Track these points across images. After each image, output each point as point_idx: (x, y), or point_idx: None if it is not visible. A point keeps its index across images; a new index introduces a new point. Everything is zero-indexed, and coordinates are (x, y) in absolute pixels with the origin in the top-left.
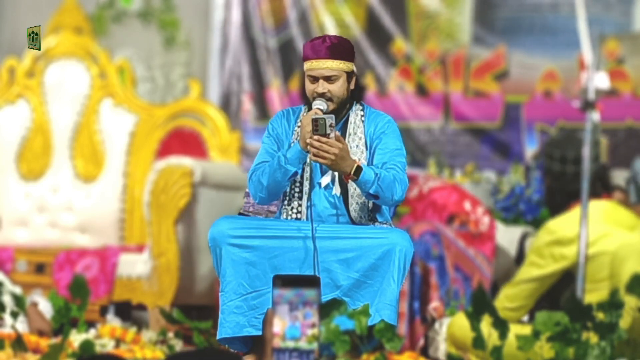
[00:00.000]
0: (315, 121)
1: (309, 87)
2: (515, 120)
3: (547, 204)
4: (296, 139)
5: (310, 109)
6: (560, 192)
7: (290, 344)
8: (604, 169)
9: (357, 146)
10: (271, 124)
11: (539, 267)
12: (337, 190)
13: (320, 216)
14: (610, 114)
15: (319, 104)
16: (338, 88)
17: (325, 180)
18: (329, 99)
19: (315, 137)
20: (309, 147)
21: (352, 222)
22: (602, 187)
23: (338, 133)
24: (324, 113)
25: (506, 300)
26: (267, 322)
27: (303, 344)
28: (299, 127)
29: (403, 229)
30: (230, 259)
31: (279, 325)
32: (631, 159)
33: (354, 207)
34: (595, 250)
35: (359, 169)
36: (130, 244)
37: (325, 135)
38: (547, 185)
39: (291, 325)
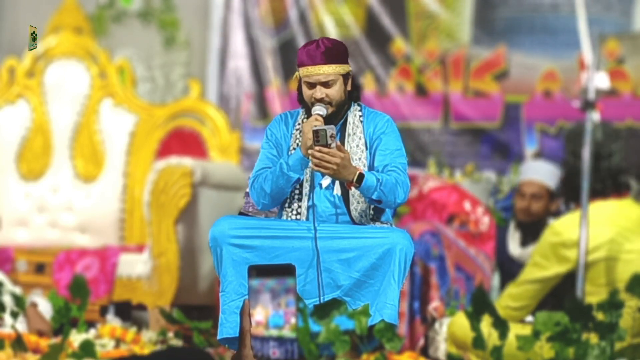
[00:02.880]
0: (316, 132)
1: (307, 92)
2: (515, 120)
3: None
4: (295, 143)
5: (308, 112)
6: (570, 186)
7: (274, 332)
8: (619, 168)
9: (357, 146)
10: (269, 129)
11: (543, 268)
12: (337, 190)
13: (321, 216)
14: (610, 114)
15: (319, 110)
16: (336, 92)
17: (326, 181)
18: (328, 103)
19: (317, 147)
20: (310, 157)
21: (353, 221)
22: (612, 187)
23: (339, 143)
24: (324, 118)
25: (509, 299)
26: (244, 312)
27: (287, 332)
28: (297, 130)
29: (403, 229)
30: (231, 259)
31: (261, 314)
32: (631, 159)
33: (354, 206)
34: (599, 255)
35: (361, 176)
36: (130, 244)
37: (327, 145)
38: (563, 175)
39: (274, 314)
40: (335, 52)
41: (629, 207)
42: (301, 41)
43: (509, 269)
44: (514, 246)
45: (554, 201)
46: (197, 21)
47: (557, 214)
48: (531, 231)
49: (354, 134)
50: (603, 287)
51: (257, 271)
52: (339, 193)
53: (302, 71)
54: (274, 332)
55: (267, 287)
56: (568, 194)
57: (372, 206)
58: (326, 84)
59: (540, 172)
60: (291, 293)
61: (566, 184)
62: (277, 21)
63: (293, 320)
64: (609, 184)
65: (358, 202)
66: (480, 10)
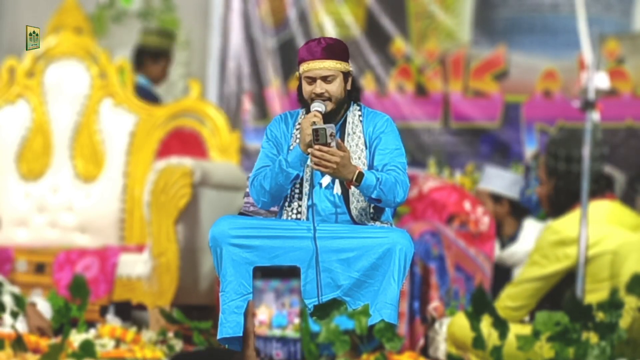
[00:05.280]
0: (315, 131)
1: (307, 88)
2: (514, 120)
3: (549, 203)
4: (295, 142)
5: (308, 112)
6: (565, 192)
7: (277, 332)
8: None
9: (356, 145)
10: (269, 128)
11: (542, 266)
12: (337, 189)
13: (321, 215)
14: (610, 114)
15: (318, 106)
16: (335, 88)
17: (326, 180)
18: (327, 99)
19: (317, 146)
20: (310, 156)
21: (353, 220)
22: (606, 186)
23: (340, 140)
24: (323, 116)
25: (508, 299)
26: (248, 313)
27: (290, 332)
28: (297, 129)
29: (403, 228)
30: (230, 259)
31: (265, 314)
32: (631, 159)
33: (354, 205)
34: (598, 250)
35: (360, 175)
36: (130, 244)
37: (326, 144)
38: (553, 184)
39: (278, 314)
40: (336, 49)
41: (620, 208)
42: (301, 41)
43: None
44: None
45: (502, 202)
46: (197, 21)
47: (521, 212)
48: (500, 235)
49: (354, 133)
50: (604, 283)
51: (262, 272)
52: (339, 192)
53: (303, 67)
54: (277, 332)
55: (271, 287)
56: (565, 200)
57: (372, 205)
58: (326, 79)
59: (483, 179)
60: (295, 293)
61: (562, 191)
62: (277, 21)
63: (296, 320)
64: (603, 185)
65: (358, 201)
66: (480, 11)
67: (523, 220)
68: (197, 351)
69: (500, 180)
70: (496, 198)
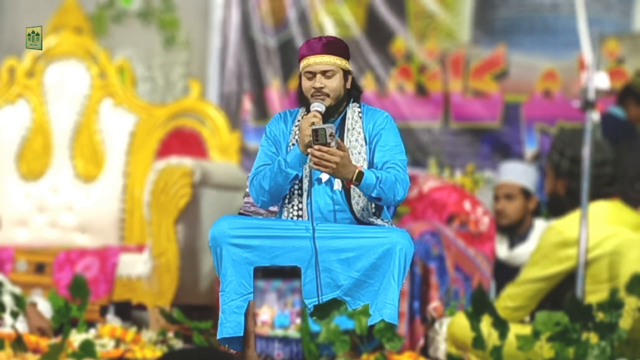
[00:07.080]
0: (315, 131)
1: (306, 84)
2: (514, 120)
3: (553, 203)
4: (294, 140)
5: (307, 110)
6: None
7: (279, 332)
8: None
9: (356, 140)
10: (268, 127)
11: (544, 267)
12: (338, 185)
13: (322, 213)
14: None
15: (317, 106)
16: (335, 84)
17: (325, 176)
18: (326, 95)
19: (316, 146)
20: (309, 156)
21: (354, 216)
22: (621, 189)
23: (339, 140)
24: (322, 116)
25: (508, 299)
26: (249, 313)
27: (292, 332)
28: (296, 127)
29: (403, 228)
30: (230, 259)
31: (267, 314)
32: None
33: (356, 200)
34: (599, 252)
35: (360, 174)
36: (130, 244)
37: (326, 144)
38: (565, 185)
39: (280, 314)
40: (336, 45)
41: (620, 207)
42: (301, 41)
43: (499, 272)
44: (501, 249)
45: (531, 199)
46: (197, 21)
47: (537, 212)
48: (517, 233)
49: (353, 129)
50: (604, 284)
51: (264, 272)
52: (340, 188)
53: (303, 62)
54: (279, 332)
55: (273, 287)
56: (577, 202)
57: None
58: (325, 74)
59: (512, 173)
60: (297, 293)
61: (577, 192)
62: (277, 21)
63: (299, 320)
64: (619, 187)
65: (359, 196)
66: (480, 10)
67: (534, 219)
68: (193, 349)
69: (531, 176)
70: (527, 194)
